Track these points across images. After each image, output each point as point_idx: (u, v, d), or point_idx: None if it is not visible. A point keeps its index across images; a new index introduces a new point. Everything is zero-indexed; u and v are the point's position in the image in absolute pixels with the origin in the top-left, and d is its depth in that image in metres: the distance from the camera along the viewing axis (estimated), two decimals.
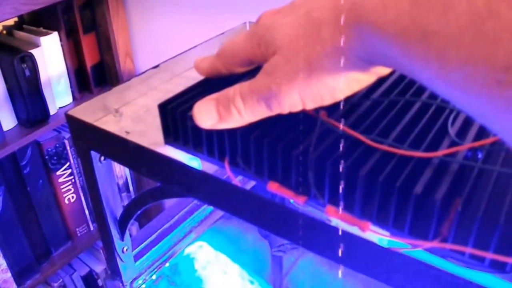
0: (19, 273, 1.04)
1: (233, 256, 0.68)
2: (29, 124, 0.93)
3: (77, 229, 1.14)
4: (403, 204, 0.26)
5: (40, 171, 1.01)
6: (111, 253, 0.52)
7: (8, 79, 0.89)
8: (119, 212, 0.48)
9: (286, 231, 0.31)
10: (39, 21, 0.98)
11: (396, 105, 0.32)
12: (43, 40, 0.92)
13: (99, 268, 1.23)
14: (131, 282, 0.57)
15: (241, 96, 0.28)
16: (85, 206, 1.13)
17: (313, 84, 0.26)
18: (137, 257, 0.59)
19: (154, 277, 0.61)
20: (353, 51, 0.24)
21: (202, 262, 0.67)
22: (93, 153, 0.43)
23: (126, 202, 0.96)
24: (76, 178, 1.09)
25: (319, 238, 0.29)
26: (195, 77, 0.36)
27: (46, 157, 1.01)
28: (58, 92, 0.99)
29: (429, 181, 0.26)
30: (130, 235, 0.53)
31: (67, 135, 1.03)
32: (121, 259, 0.52)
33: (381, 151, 0.28)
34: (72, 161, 1.07)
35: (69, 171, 1.07)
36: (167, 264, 0.63)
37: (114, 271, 0.55)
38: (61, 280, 1.16)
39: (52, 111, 0.97)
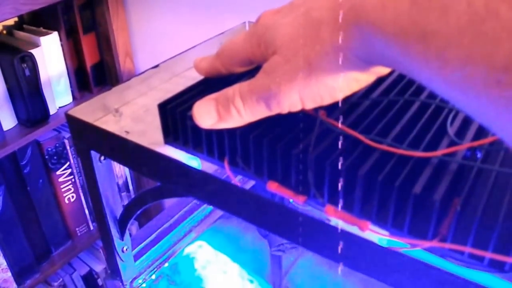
0: (19, 273, 1.04)
1: (233, 256, 0.68)
2: (29, 124, 0.93)
3: (77, 229, 1.14)
4: (402, 203, 0.26)
5: (40, 171, 1.01)
6: (111, 253, 0.52)
7: (8, 79, 0.89)
8: (119, 211, 0.48)
9: (286, 231, 0.31)
10: (39, 21, 0.98)
11: (395, 104, 0.32)
12: (43, 40, 0.92)
13: (99, 267, 1.23)
14: (131, 282, 0.57)
15: (241, 96, 0.29)
16: (85, 206, 1.13)
17: (313, 84, 0.26)
18: (137, 257, 0.59)
19: (154, 276, 0.61)
20: (352, 50, 0.24)
21: (202, 262, 0.67)
22: (93, 153, 0.43)
23: (126, 202, 0.95)
24: (76, 178, 1.09)
25: (319, 238, 0.29)
26: (194, 77, 0.36)
27: (46, 156, 1.01)
28: (58, 92, 0.99)
29: (428, 181, 0.26)
30: (130, 235, 0.53)
31: (67, 135, 1.03)
32: (121, 259, 0.52)
33: (380, 150, 0.28)
34: (72, 160, 1.07)
35: (69, 170, 1.07)
36: (166, 264, 0.63)
37: (114, 271, 0.55)
38: (61, 279, 1.16)
39: (52, 111, 0.97)
